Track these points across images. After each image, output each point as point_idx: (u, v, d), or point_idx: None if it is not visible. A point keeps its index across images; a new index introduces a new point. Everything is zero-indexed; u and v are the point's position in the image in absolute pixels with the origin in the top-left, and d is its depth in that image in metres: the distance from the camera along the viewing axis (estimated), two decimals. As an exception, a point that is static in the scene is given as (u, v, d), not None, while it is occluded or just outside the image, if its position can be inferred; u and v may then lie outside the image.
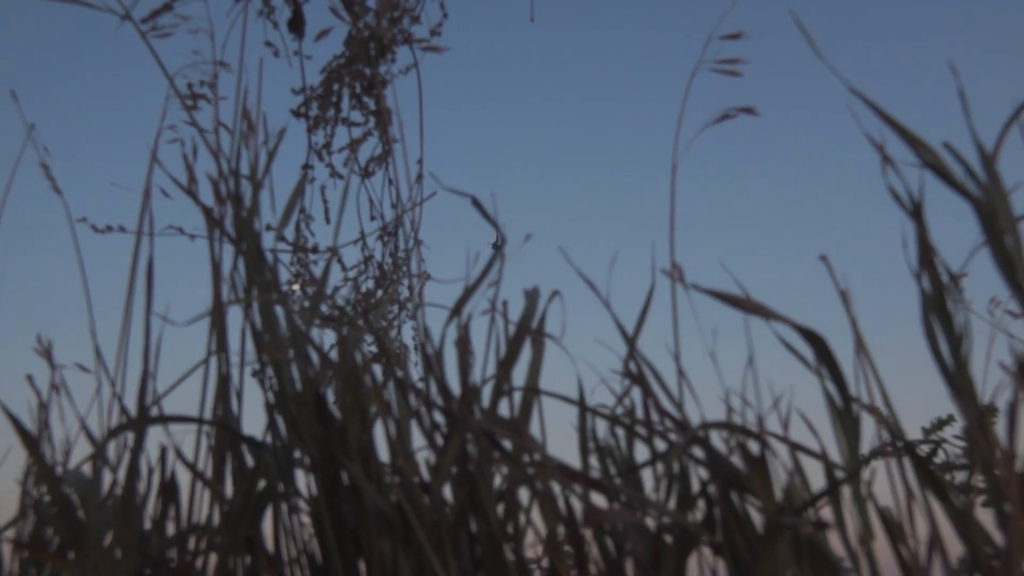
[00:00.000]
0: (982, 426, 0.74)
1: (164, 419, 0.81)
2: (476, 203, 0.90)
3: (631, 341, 0.78)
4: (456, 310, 0.85)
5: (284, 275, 1.36)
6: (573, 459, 0.84)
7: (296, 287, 1.36)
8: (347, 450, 0.71)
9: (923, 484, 0.78)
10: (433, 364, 0.78)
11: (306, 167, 1.34)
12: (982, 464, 0.73)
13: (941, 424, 1.56)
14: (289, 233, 1.40)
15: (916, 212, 0.80)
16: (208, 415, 0.88)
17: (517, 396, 0.83)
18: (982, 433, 0.74)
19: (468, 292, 0.85)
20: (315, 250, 1.37)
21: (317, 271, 1.39)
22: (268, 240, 1.08)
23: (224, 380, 0.88)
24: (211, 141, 1.01)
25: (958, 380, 0.77)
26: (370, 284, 1.63)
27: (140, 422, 0.79)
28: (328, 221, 1.45)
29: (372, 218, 1.58)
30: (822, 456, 0.79)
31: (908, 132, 0.80)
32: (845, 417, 0.74)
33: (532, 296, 0.85)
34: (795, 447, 0.80)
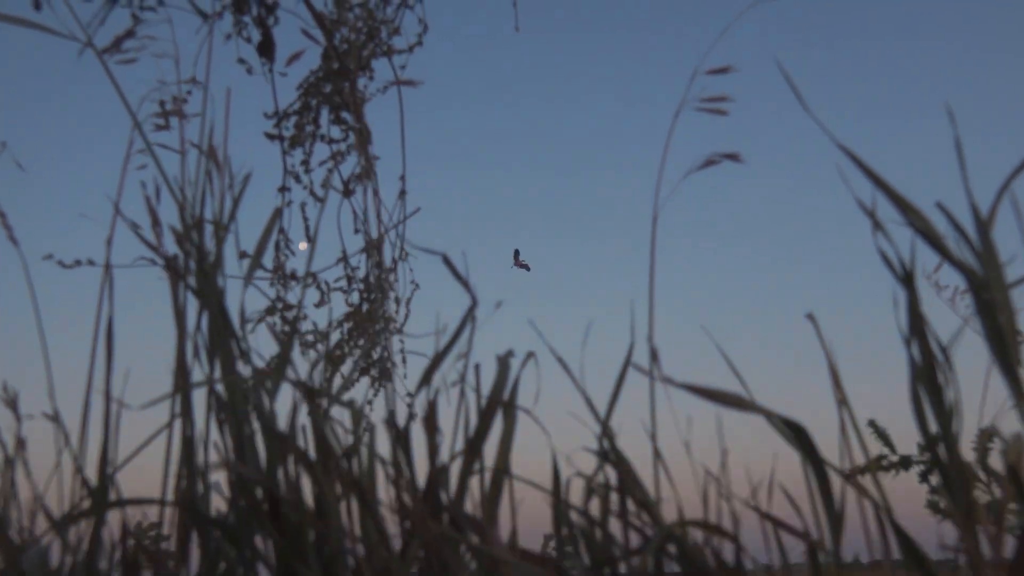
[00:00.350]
0: (970, 513, 0.71)
1: (123, 502, 0.78)
2: (447, 262, 0.86)
3: (604, 423, 0.75)
4: (425, 378, 0.82)
5: (262, 302, 1.33)
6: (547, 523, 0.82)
7: (274, 314, 1.33)
8: (304, 557, 0.68)
9: (909, 566, 0.75)
10: (399, 450, 0.75)
11: (283, 189, 1.30)
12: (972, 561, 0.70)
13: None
14: (269, 252, 1.36)
15: (907, 279, 0.76)
16: (173, 475, 0.86)
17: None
18: (969, 519, 0.71)
19: (437, 359, 0.82)
20: (294, 276, 1.33)
21: (295, 295, 1.36)
22: (243, 266, 1.05)
23: (188, 444, 0.86)
24: (176, 181, 0.97)
25: (947, 458, 0.74)
26: (355, 298, 1.59)
27: (99, 508, 0.76)
28: (309, 239, 1.42)
29: (356, 231, 1.54)
30: (804, 534, 0.76)
31: (897, 195, 0.76)
32: (829, 508, 0.71)
33: (504, 363, 0.82)
34: (777, 523, 0.78)
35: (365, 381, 1.58)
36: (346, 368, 1.49)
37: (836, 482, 0.74)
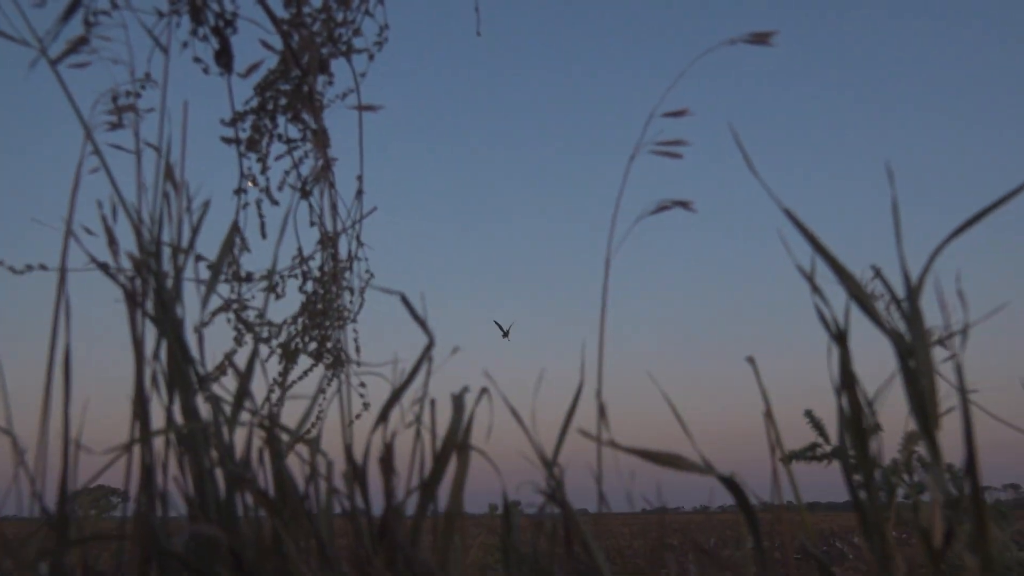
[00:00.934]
0: (885, 556, 0.77)
1: (85, 540, 0.80)
2: (405, 301, 0.88)
3: (550, 465, 0.79)
4: (382, 417, 0.85)
5: (217, 303, 1.33)
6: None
7: (231, 313, 1.33)
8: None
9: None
10: (355, 488, 0.78)
11: (239, 191, 1.29)
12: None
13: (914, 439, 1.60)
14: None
15: (840, 338, 0.81)
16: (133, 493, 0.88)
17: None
18: (884, 561, 0.77)
19: (394, 397, 0.85)
20: (248, 277, 1.33)
21: (251, 293, 1.37)
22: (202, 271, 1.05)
23: (147, 471, 0.88)
24: (132, 205, 0.97)
25: (866, 508, 0.79)
26: (309, 287, 1.60)
27: (61, 547, 0.78)
28: (264, 236, 1.42)
29: (312, 224, 1.54)
30: (733, 567, 0.82)
31: (834, 260, 0.80)
32: (757, 545, 0.76)
33: (459, 403, 0.85)
34: (710, 556, 0.83)
35: (319, 371, 1.60)
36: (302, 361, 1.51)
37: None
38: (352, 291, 1.66)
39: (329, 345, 1.61)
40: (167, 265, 0.94)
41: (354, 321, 1.65)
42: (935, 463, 0.76)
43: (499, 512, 0.87)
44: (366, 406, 1.51)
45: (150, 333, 0.93)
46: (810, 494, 0.92)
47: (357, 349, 1.64)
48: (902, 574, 0.77)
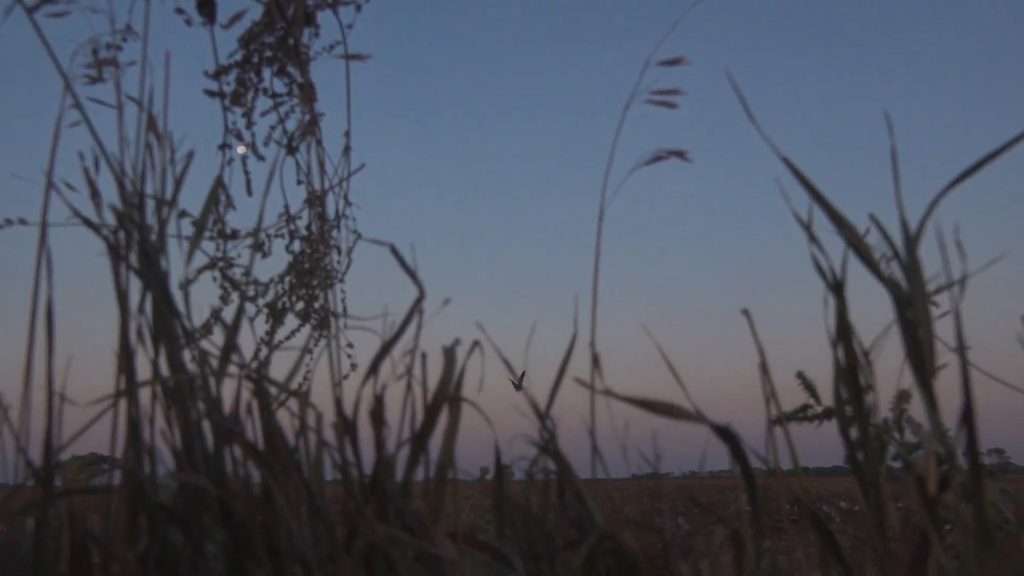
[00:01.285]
0: (880, 513, 0.77)
1: (70, 492, 0.79)
2: (395, 252, 0.87)
3: (543, 417, 0.78)
4: (372, 369, 0.83)
5: (202, 260, 1.31)
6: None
7: (217, 271, 1.31)
8: (251, 546, 0.70)
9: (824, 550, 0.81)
10: (346, 444, 0.77)
11: (224, 147, 1.27)
12: (877, 551, 0.76)
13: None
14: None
15: (837, 288, 0.80)
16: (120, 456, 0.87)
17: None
18: (879, 516, 0.77)
19: (384, 350, 0.84)
20: (234, 234, 1.31)
21: (237, 251, 1.34)
22: (186, 227, 1.03)
23: (133, 425, 0.86)
24: (114, 156, 0.94)
25: (861, 464, 0.79)
26: (296, 247, 1.58)
27: (45, 499, 0.77)
28: (250, 193, 1.39)
29: (299, 182, 1.52)
30: (728, 522, 0.81)
31: (832, 208, 0.79)
32: (752, 499, 0.76)
33: (450, 356, 0.84)
34: (705, 510, 0.83)
35: (306, 331, 1.58)
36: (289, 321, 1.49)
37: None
38: (340, 250, 1.64)
39: (317, 305, 1.59)
40: (151, 218, 0.92)
41: (342, 281, 1.63)
42: (931, 412, 0.75)
43: (490, 473, 0.87)
44: (353, 367, 1.50)
45: (135, 288, 0.91)
46: (800, 459, 0.91)
47: (344, 310, 1.63)
48: (896, 524, 0.76)
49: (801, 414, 1.86)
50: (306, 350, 0.98)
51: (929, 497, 0.72)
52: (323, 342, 1.57)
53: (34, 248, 0.93)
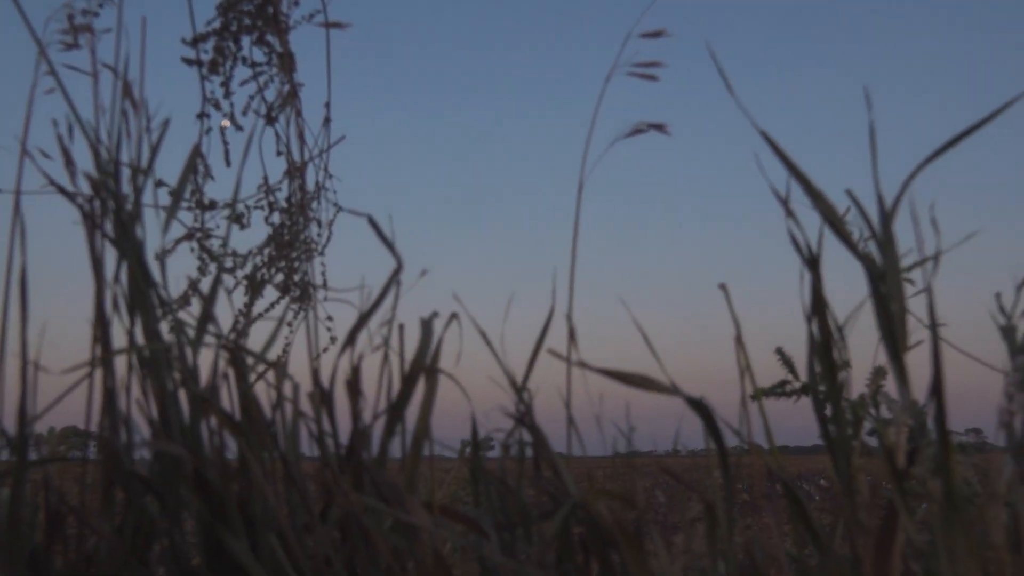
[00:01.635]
0: (850, 486, 0.78)
1: (45, 461, 0.79)
2: (372, 223, 0.86)
3: (519, 389, 0.78)
4: (349, 340, 0.83)
5: (179, 231, 1.30)
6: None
7: (193, 242, 1.30)
8: (226, 516, 0.70)
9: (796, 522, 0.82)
10: (323, 411, 0.77)
11: (201, 116, 1.25)
12: (848, 525, 0.77)
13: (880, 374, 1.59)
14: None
15: (813, 263, 0.81)
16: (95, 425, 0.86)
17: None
18: (850, 492, 0.78)
19: (361, 321, 0.84)
20: (212, 204, 1.30)
21: (215, 222, 1.33)
22: (163, 196, 1.03)
23: (109, 395, 0.86)
24: (89, 123, 0.93)
25: (835, 437, 0.80)
26: (275, 219, 1.57)
27: (20, 468, 0.76)
28: (228, 164, 1.38)
29: (278, 153, 1.50)
30: (700, 493, 0.82)
31: (809, 182, 0.79)
32: (725, 472, 0.76)
33: (427, 327, 0.84)
34: (678, 481, 0.84)
35: (285, 303, 1.58)
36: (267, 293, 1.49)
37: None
38: (320, 223, 1.63)
39: (296, 278, 1.59)
40: (126, 186, 0.91)
41: (321, 254, 1.62)
42: (902, 386, 0.76)
43: (468, 440, 0.87)
44: (333, 340, 1.50)
45: (110, 257, 0.90)
46: (778, 438, 0.92)
47: (325, 283, 1.62)
48: (865, 495, 0.77)
49: (779, 389, 1.88)
50: (284, 322, 0.98)
51: (898, 469, 0.74)
52: (301, 314, 1.57)
53: (7, 216, 0.92)
